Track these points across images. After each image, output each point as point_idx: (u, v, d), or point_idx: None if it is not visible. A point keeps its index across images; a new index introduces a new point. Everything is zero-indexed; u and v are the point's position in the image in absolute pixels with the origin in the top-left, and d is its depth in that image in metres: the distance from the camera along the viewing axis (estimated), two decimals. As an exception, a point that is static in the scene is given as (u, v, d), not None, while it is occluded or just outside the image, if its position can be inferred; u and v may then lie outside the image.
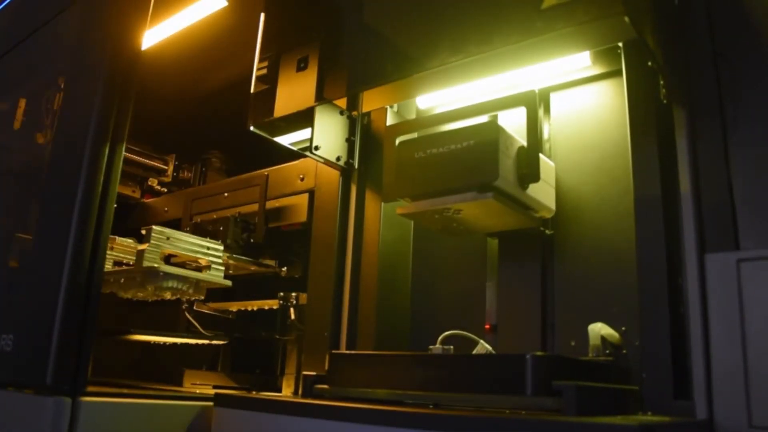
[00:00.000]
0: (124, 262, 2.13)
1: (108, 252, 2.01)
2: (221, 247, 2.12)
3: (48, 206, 1.72)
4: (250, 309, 2.32)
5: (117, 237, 2.13)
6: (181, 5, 2.39)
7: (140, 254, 1.92)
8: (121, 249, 2.13)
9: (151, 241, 1.93)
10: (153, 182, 2.88)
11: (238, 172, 2.60)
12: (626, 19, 1.14)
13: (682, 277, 1.34)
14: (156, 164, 2.90)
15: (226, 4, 2.35)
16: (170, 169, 2.92)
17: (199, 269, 2.05)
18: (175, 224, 2.56)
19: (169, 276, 1.95)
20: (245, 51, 1.89)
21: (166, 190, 2.93)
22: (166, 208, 2.78)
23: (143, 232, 1.96)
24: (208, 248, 2.07)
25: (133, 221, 2.87)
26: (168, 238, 1.98)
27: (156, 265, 1.91)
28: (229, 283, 2.09)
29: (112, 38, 1.70)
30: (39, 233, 1.73)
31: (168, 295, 2.07)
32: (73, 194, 1.53)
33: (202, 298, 2.14)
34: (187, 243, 2.03)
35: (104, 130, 1.59)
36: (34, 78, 2.17)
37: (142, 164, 2.87)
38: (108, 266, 2.05)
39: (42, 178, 1.85)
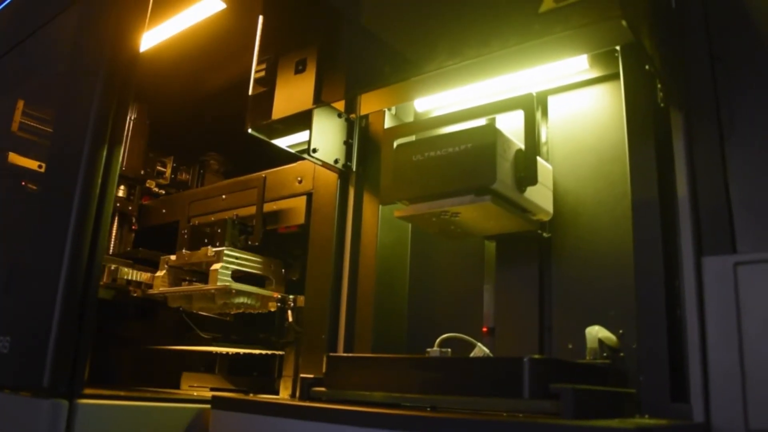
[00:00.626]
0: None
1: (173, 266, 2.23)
2: (281, 262, 2.25)
3: (46, 207, 1.72)
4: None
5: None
6: (179, 7, 2.40)
7: (214, 274, 2.03)
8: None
9: (223, 262, 2.05)
10: (151, 184, 2.88)
11: (235, 174, 2.60)
12: (624, 22, 1.14)
13: (679, 280, 1.34)
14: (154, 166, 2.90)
15: (224, 6, 2.36)
16: (168, 171, 2.92)
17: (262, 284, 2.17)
18: (173, 226, 2.57)
19: (240, 293, 2.07)
20: (243, 53, 1.89)
21: (163, 192, 2.92)
22: (164, 210, 2.78)
23: (211, 253, 2.09)
24: (271, 265, 2.22)
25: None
26: (237, 258, 2.10)
27: (229, 284, 2.02)
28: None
29: (110, 40, 1.71)
30: (36, 235, 1.73)
31: (234, 310, 2.18)
32: (70, 195, 1.53)
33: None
34: (251, 261, 2.15)
35: (102, 132, 1.59)
36: (33, 79, 2.17)
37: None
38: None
39: (40, 180, 1.85)
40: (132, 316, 2.55)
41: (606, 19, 1.16)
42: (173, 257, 2.26)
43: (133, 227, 2.80)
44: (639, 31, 1.22)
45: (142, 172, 2.80)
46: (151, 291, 2.31)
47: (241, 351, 2.38)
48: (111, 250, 2.62)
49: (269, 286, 2.21)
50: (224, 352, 2.46)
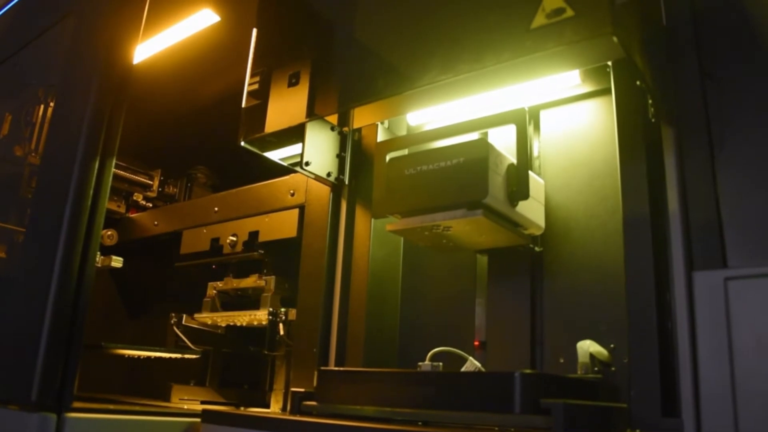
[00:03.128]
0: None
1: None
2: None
3: (36, 219, 1.71)
4: (239, 324, 2.31)
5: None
6: (173, 20, 2.40)
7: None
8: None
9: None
10: (138, 197, 2.87)
11: (223, 187, 2.60)
12: (615, 39, 1.15)
13: (670, 295, 1.34)
14: (141, 179, 2.89)
15: (218, 19, 2.36)
16: (156, 183, 2.91)
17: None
18: (162, 239, 2.57)
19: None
20: (235, 66, 1.90)
21: (151, 205, 2.92)
22: (156, 222, 2.77)
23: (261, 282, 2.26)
24: None
25: (117, 236, 2.85)
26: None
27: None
28: None
29: (104, 52, 1.71)
30: (26, 247, 1.72)
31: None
32: (61, 207, 1.53)
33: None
34: None
35: (94, 144, 1.59)
36: (26, 90, 2.16)
37: (127, 179, 2.85)
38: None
39: (31, 191, 1.84)
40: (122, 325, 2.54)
41: (597, 36, 1.16)
42: (220, 283, 2.39)
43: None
44: (630, 48, 1.23)
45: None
46: (197, 316, 2.39)
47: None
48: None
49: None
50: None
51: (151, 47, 2.49)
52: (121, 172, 2.81)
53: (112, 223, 2.87)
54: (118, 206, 2.87)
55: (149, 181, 2.90)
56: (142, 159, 2.90)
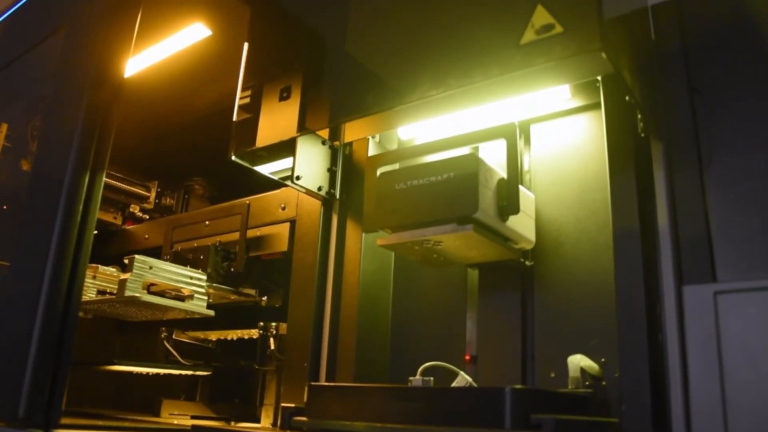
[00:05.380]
0: (108, 291, 2.13)
1: (91, 281, 2.05)
2: (204, 277, 2.12)
3: (25, 234, 1.70)
4: (229, 338, 2.30)
5: (100, 266, 2.13)
6: (165, 34, 2.40)
7: (122, 283, 1.93)
8: (104, 278, 2.14)
9: (134, 270, 1.94)
10: (135, 209, 2.86)
11: (220, 199, 2.59)
12: (603, 55, 1.16)
13: (660, 309, 1.34)
14: (138, 191, 2.88)
15: (210, 33, 2.37)
16: (152, 195, 2.90)
17: (181, 298, 2.05)
18: (156, 251, 2.55)
19: (149, 305, 1.96)
20: (228, 79, 1.90)
21: (147, 216, 2.90)
22: (146, 236, 2.76)
23: (126, 261, 1.96)
24: (191, 278, 2.08)
25: (113, 248, 2.84)
26: (151, 267, 1.99)
27: (138, 295, 1.91)
28: (211, 313, 2.09)
29: (95, 67, 1.70)
30: (15, 262, 1.71)
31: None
32: (51, 223, 1.52)
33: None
34: (170, 272, 2.03)
35: (85, 159, 1.58)
36: (16, 104, 2.16)
37: (123, 190, 2.84)
38: (92, 295, 2.07)
39: (19, 206, 1.83)
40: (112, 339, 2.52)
41: (586, 52, 1.17)
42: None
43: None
44: (619, 63, 1.24)
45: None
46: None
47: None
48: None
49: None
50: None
51: (143, 60, 2.49)
52: (118, 183, 2.79)
53: (108, 236, 2.86)
54: (115, 218, 2.85)
55: (146, 193, 2.89)
56: (139, 170, 2.89)
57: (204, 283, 2.11)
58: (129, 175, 2.85)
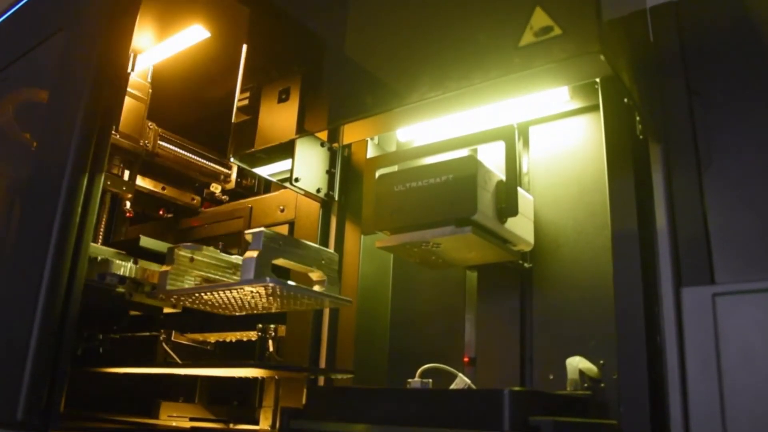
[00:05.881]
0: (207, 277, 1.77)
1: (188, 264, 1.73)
2: (337, 257, 1.73)
3: (24, 234, 1.70)
4: (228, 340, 2.30)
5: (203, 246, 1.77)
6: (164, 35, 2.40)
7: (248, 263, 1.48)
8: (206, 259, 1.76)
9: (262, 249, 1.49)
10: (216, 188, 2.55)
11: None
12: (602, 57, 1.16)
13: (658, 311, 1.35)
14: (219, 169, 2.55)
15: (209, 35, 2.36)
16: (233, 174, 2.59)
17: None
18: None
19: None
20: (226, 81, 1.89)
21: (227, 198, 2.58)
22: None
23: (247, 235, 1.55)
24: (323, 258, 1.69)
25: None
26: (281, 244, 1.57)
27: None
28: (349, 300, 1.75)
29: (94, 69, 1.70)
30: (13, 261, 1.70)
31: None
32: (50, 224, 1.51)
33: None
34: (301, 249, 1.64)
35: (84, 161, 1.58)
36: (18, 103, 2.16)
37: (203, 169, 2.50)
38: (189, 283, 1.71)
39: (17, 206, 1.83)
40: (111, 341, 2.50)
41: (585, 54, 1.17)
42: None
43: (128, 214, 2.42)
44: (617, 66, 1.24)
45: (142, 143, 2.22)
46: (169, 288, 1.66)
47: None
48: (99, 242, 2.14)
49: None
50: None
51: (143, 62, 2.49)
52: (199, 161, 2.47)
53: (188, 214, 2.56)
54: (192, 199, 2.56)
55: (228, 171, 2.56)
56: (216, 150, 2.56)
57: (336, 266, 1.72)
58: (207, 151, 2.50)
